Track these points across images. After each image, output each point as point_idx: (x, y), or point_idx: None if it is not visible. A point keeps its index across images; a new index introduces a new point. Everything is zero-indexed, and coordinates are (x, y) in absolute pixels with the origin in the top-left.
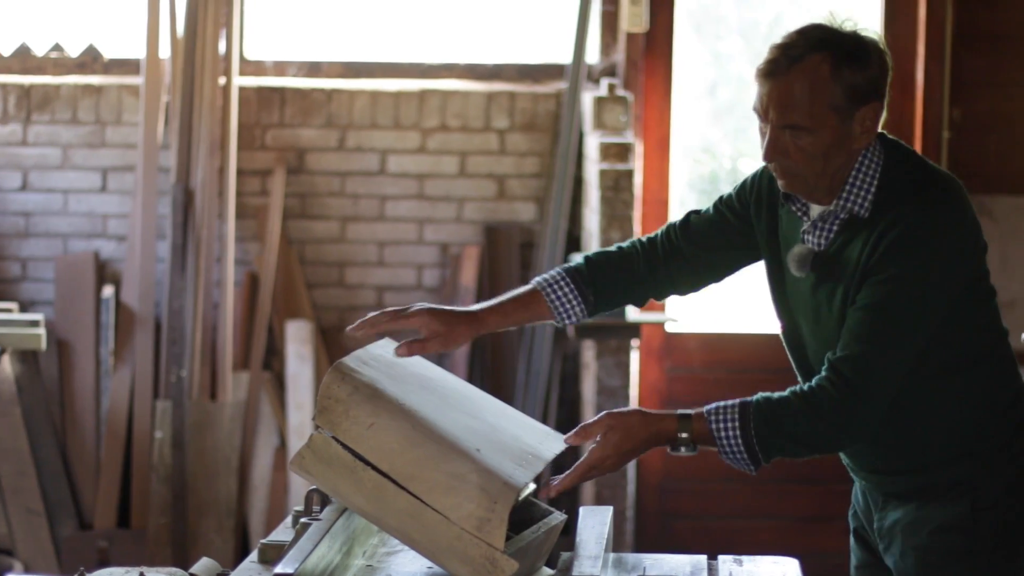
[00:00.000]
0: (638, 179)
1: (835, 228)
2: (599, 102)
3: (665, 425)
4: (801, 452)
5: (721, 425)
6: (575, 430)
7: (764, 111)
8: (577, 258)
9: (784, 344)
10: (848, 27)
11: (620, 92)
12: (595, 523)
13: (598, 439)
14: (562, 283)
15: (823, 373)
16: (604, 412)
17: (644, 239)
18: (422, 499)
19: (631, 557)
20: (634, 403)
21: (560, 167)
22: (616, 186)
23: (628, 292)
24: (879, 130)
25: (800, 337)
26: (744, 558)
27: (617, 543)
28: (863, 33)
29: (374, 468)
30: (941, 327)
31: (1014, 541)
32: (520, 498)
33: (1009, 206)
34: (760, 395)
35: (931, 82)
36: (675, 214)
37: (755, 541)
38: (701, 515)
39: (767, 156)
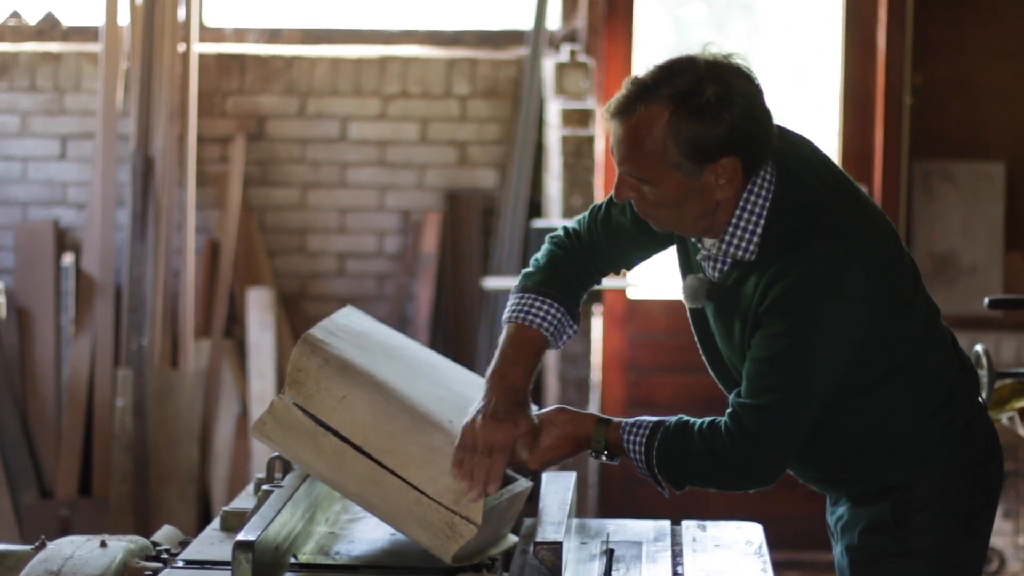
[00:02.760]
0: (600, 145)
1: (728, 262)
2: (560, 68)
3: (584, 426)
4: (708, 487)
5: (632, 442)
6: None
7: (610, 150)
8: (524, 279)
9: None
10: (722, 59)
11: (581, 58)
12: (558, 489)
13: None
14: (542, 304)
15: (727, 416)
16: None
17: (564, 239)
18: (398, 473)
19: (594, 523)
20: (596, 370)
21: (521, 133)
22: (578, 152)
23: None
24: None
25: (713, 343)
26: (707, 523)
27: (581, 510)
28: (731, 73)
29: (337, 435)
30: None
31: (950, 543)
32: None
33: (971, 171)
34: (675, 420)
35: (893, 48)
36: None
37: (718, 506)
38: None
39: (616, 196)
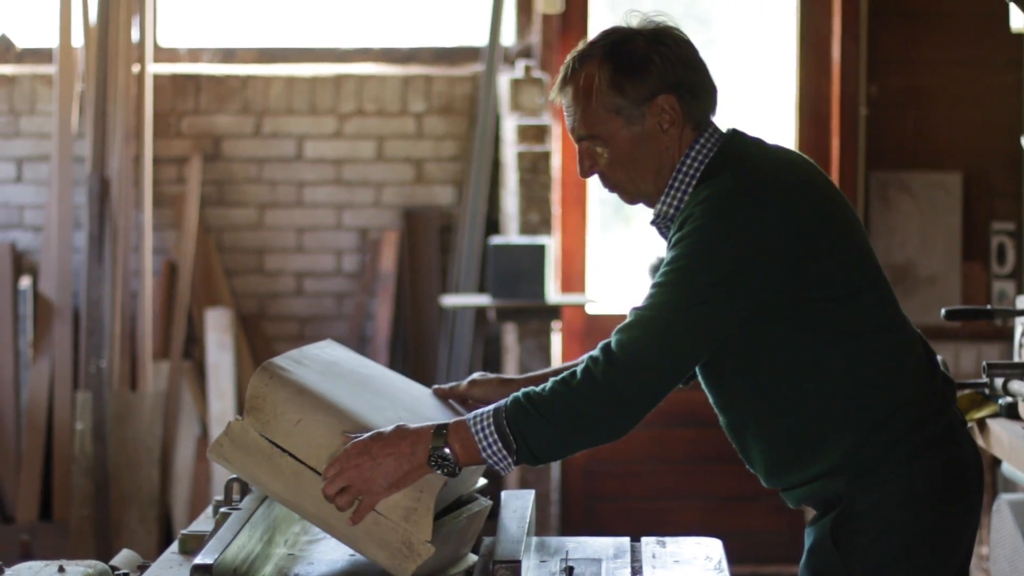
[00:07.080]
0: (556, 161)
1: (670, 228)
2: (516, 84)
3: (421, 439)
4: (571, 436)
5: (480, 427)
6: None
7: (568, 129)
8: None
9: None
10: (640, 23)
11: (536, 74)
12: (517, 507)
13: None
14: None
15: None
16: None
17: None
18: None
19: (554, 540)
20: None
21: (478, 150)
22: (534, 168)
23: None
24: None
25: None
26: (667, 539)
27: (542, 527)
28: (660, 27)
29: (294, 458)
30: (765, 328)
31: (893, 568)
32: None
33: (926, 182)
34: (522, 391)
35: (847, 59)
36: (593, 196)
37: (678, 521)
38: (625, 497)
39: (580, 172)
